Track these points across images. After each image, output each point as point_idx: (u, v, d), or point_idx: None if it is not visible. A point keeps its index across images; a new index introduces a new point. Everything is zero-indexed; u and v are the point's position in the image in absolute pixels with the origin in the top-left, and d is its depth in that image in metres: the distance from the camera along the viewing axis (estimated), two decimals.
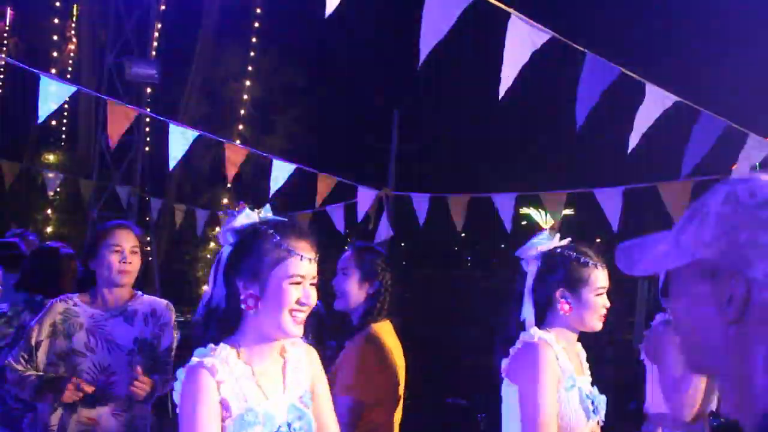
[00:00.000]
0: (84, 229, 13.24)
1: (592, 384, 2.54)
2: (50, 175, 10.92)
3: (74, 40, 18.93)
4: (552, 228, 2.62)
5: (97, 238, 3.05)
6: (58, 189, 11.99)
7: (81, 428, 2.87)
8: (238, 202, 2.02)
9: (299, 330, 1.89)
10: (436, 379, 9.07)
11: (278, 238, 1.87)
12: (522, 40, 3.29)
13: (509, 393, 2.42)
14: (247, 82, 18.86)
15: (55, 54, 18.87)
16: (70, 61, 19.13)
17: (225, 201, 18.43)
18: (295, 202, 8.45)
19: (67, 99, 4.66)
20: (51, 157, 18.87)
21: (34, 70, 4.36)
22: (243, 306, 1.88)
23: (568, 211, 7.02)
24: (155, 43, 12.97)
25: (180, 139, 5.14)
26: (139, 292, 3.12)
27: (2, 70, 17.70)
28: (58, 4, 18.78)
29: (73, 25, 19.01)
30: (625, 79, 3.66)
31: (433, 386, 8.45)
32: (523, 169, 22.20)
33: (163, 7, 14.51)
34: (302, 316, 1.88)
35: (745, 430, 0.96)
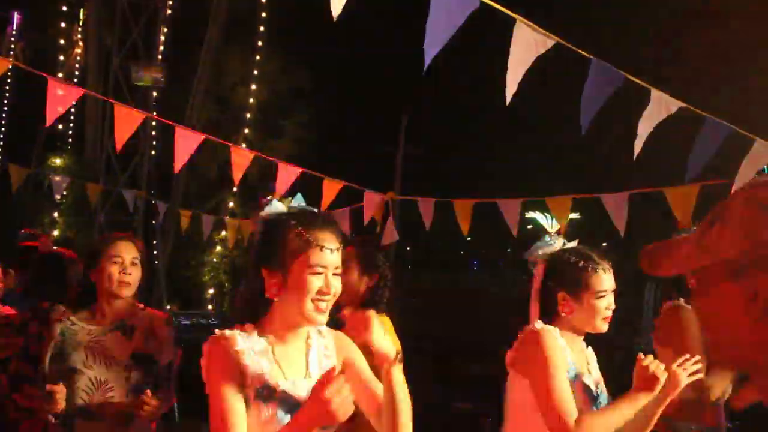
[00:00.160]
0: (91, 232, 13.29)
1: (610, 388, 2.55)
2: (57, 178, 10.97)
3: (81, 44, 19.00)
4: (558, 232, 2.65)
5: (97, 249, 3.04)
6: (65, 192, 12.05)
7: None
8: (265, 198, 2.05)
9: (323, 318, 1.93)
10: (442, 384, 9.07)
11: (300, 228, 1.92)
12: (527, 46, 3.30)
13: (514, 386, 2.46)
14: (253, 86, 18.92)
15: (61, 58, 18.95)
16: (77, 66, 19.20)
17: (231, 205, 18.48)
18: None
19: (74, 103, 4.69)
20: (58, 161, 18.93)
21: (42, 74, 4.39)
22: (267, 294, 1.93)
23: (574, 216, 7.02)
24: (161, 48, 13.02)
25: (186, 143, 5.16)
26: (140, 305, 3.10)
27: (9, 74, 17.77)
28: (65, 8, 18.85)
29: (80, 29, 19.08)
30: (630, 85, 3.66)
31: (439, 390, 8.44)
32: (529, 174, 22.21)
33: (169, 12, 14.58)
34: (325, 305, 1.91)
35: None
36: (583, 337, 2.57)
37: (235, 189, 17.49)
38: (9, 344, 3.25)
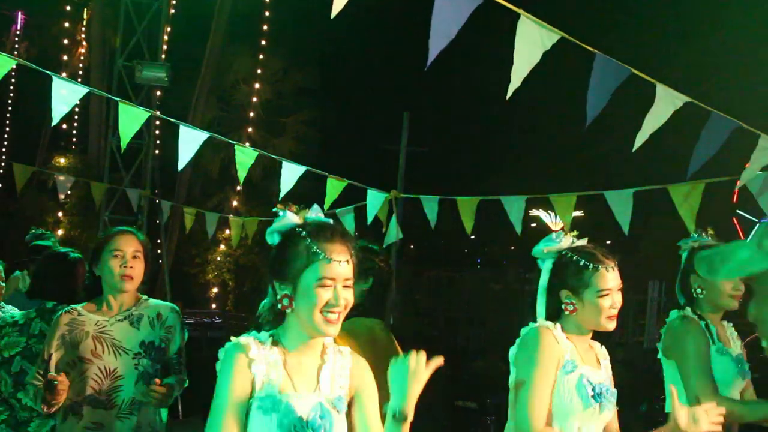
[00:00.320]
0: (95, 231, 13.30)
1: (615, 386, 2.54)
2: (61, 178, 10.97)
3: (85, 43, 19.03)
4: (562, 229, 2.64)
5: (99, 245, 3.06)
6: (69, 192, 12.06)
7: None
8: (291, 203, 2.05)
9: (333, 329, 1.93)
10: (446, 382, 9.06)
11: (309, 240, 1.92)
12: (532, 41, 3.28)
13: (513, 382, 2.50)
14: (257, 85, 18.93)
15: (65, 57, 18.98)
16: (81, 65, 19.23)
17: (235, 203, 18.50)
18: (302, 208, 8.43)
19: (78, 102, 4.68)
20: (62, 160, 18.98)
21: (47, 72, 4.38)
22: (279, 305, 1.94)
23: (578, 213, 7.01)
24: (165, 47, 13.03)
25: (190, 141, 5.15)
26: (145, 297, 3.13)
27: (14, 74, 17.81)
28: (68, 8, 18.89)
29: (84, 28, 19.11)
30: (636, 80, 3.64)
31: (443, 389, 8.43)
32: (533, 171, 22.17)
33: (173, 11, 14.58)
34: (335, 316, 1.91)
35: None
36: (590, 335, 2.57)
37: (239, 188, 17.52)
38: (12, 343, 3.26)
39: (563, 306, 2.50)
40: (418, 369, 1.92)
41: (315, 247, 1.90)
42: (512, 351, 2.54)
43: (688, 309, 3.02)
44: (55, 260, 3.53)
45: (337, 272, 1.91)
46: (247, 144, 13.65)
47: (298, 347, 1.96)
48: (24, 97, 19.45)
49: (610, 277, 2.48)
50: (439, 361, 1.96)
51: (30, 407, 3.18)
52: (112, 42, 14.92)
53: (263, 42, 18.43)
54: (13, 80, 19.77)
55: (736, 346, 3.07)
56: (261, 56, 18.64)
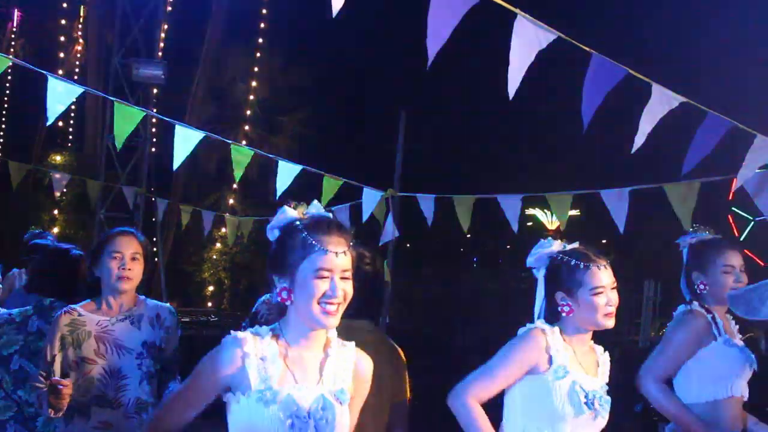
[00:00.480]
0: (91, 229, 13.28)
1: (609, 393, 2.55)
2: (57, 176, 10.95)
3: (81, 41, 18.99)
4: (557, 230, 2.66)
5: (99, 245, 3.08)
6: (65, 190, 12.04)
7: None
8: (291, 201, 2.06)
9: (332, 321, 1.94)
10: (442, 381, 9.06)
11: (305, 233, 1.94)
12: (528, 41, 3.28)
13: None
14: (253, 83, 18.90)
15: (62, 55, 18.93)
16: (77, 63, 19.19)
17: (231, 202, 18.48)
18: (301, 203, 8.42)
19: (74, 100, 4.66)
20: (58, 158, 18.95)
21: (42, 71, 4.37)
22: (278, 298, 1.96)
23: (573, 212, 7.02)
24: (162, 44, 13.01)
25: (186, 140, 5.14)
26: (142, 297, 3.15)
27: (10, 71, 17.76)
28: (65, 5, 18.85)
29: (80, 26, 19.07)
30: (632, 80, 3.65)
31: (439, 388, 8.43)
32: (529, 170, 22.17)
33: (169, 9, 14.56)
34: (333, 308, 1.92)
35: None
36: (590, 336, 2.59)
37: (235, 186, 17.50)
38: (10, 341, 3.26)
39: (559, 308, 2.52)
40: None
41: (311, 239, 1.92)
42: None
43: (696, 303, 3.05)
44: (56, 256, 3.52)
45: (333, 263, 1.92)
46: (244, 142, 13.64)
47: (299, 341, 1.98)
48: (20, 94, 19.39)
49: (602, 275, 2.50)
50: None
51: (33, 404, 3.18)
52: (109, 40, 14.89)
53: (260, 40, 18.41)
54: (9, 78, 19.72)
55: (738, 339, 3.09)
56: (258, 54, 18.62)
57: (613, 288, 2.51)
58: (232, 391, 1.92)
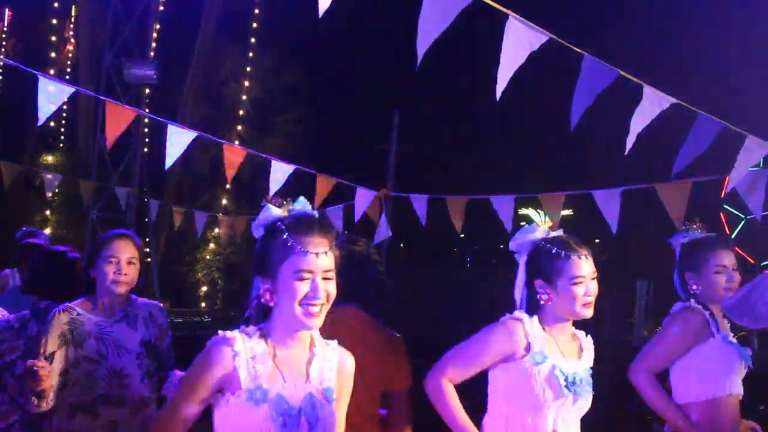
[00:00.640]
0: (83, 230, 13.24)
1: (593, 377, 2.56)
2: (49, 176, 10.92)
3: (73, 41, 18.92)
4: (551, 228, 2.65)
5: (95, 248, 3.10)
6: (56, 190, 11.99)
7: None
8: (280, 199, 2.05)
9: (315, 322, 1.92)
10: None
11: (286, 234, 1.91)
12: (520, 42, 3.29)
13: (493, 375, 2.55)
14: (246, 83, 18.87)
15: (53, 55, 18.86)
16: (69, 62, 19.12)
17: (224, 202, 18.44)
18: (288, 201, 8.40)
19: (66, 100, 4.65)
20: (50, 158, 18.86)
21: (33, 71, 4.35)
22: (262, 300, 1.95)
23: (566, 212, 7.04)
24: (154, 44, 12.98)
25: (178, 140, 5.13)
26: (133, 296, 3.16)
27: (0, 71, 17.69)
28: (56, 5, 18.77)
29: (72, 26, 19.00)
30: (623, 81, 3.67)
31: None
32: (522, 170, 22.21)
33: (161, 9, 14.53)
34: (315, 309, 1.91)
35: None
36: (570, 324, 2.58)
37: (228, 186, 17.47)
38: (11, 348, 3.25)
39: (538, 296, 2.51)
40: None
41: (291, 240, 1.89)
42: None
43: (693, 300, 3.05)
44: (52, 258, 3.51)
45: (314, 264, 1.90)
46: (237, 142, 13.62)
47: (285, 341, 1.97)
48: (11, 94, 19.31)
49: (583, 265, 2.48)
50: None
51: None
52: (101, 40, 14.85)
53: (253, 40, 18.38)
54: (0, 77, 19.64)
55: (732, 336, 3.11)
56: (251, 54, 18.59)
57: (593, 278, 2.50)
58: (222, 392, 1.91)
